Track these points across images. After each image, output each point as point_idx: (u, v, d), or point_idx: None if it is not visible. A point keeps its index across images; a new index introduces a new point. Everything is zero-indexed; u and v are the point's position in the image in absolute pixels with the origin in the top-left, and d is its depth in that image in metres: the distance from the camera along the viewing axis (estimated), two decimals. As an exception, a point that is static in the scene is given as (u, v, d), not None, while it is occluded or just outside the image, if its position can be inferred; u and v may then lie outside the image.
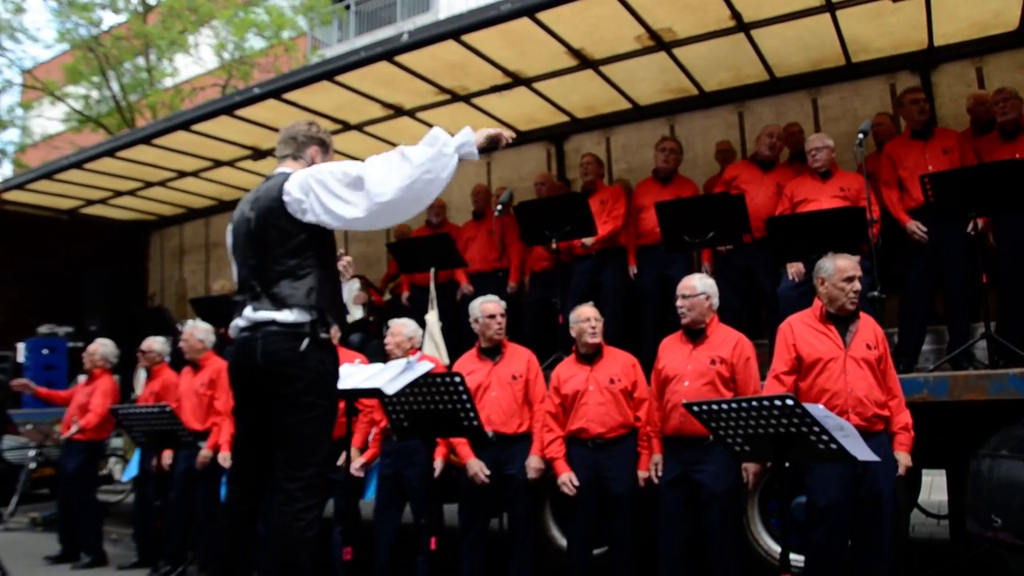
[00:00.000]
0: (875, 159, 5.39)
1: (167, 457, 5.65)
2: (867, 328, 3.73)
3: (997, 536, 3.55)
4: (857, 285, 3.71)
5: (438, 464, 4.52)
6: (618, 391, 4.28)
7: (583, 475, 4.25)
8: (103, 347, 6.48)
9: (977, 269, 4.52)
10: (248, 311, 2.87)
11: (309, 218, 2.83)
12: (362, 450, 4.91)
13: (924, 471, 5.31)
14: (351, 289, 6.81)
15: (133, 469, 6.54)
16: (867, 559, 3.57)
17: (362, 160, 2.78)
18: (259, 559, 3.36)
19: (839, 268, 3.71)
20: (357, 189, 2.75)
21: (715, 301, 4.15)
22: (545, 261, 6.19)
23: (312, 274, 2.87)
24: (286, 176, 2.93)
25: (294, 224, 2.85)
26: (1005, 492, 3.55)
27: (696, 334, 4.13)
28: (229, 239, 3.13)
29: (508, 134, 3.00)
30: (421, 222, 7.23)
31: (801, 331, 3.79)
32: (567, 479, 4.25)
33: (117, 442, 9.53)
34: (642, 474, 4.22)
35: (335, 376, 2.96)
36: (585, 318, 4.38)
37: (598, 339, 4.39)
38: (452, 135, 2.81)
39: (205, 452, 5.45)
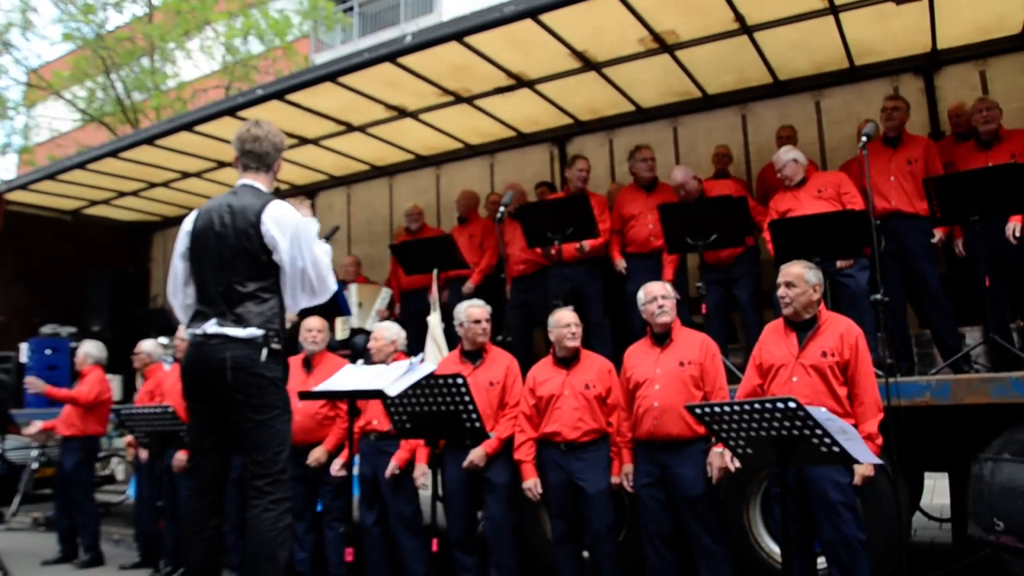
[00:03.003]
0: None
1: (141, 454, 5.68)
2: (832, 335, 3.68)
3: (999, 540, 3.55)
4: (784, 291, 3.75)
5: (392, 466, 4.63)
6: (592, 397, 4.31)
7: (556, 477, 4.29)
8: (85, 346, 6.62)
9: (951, 274, 4.59)
10: (210, 325, 3.07)
11: (277, 258, 3.11)
12: (331, 453, 4.97)
13: (926, 474, 5.31)
14: (382, 299, 6.81)
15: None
16: (835, 564, 3.56)
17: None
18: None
19: (780, 274, 3.82)
20: (329, 275, 3.22)
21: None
22: (523, 265, 6.21)
23: (272, 299, 3.13)
24: (265, 200, 3.16)
25: (264, 252, 3.09)
26: (1007, 496, 3.55)
27: (662, 338, 4.22)
28: (185, 241, 3.25)
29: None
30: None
31: (767, 336, 3.90)
32: (532, 484, 4.33)
33: (119, 442, 9.55)
34: (615, 479, 4.26)
35: (284, 382, 3.17)
36: (565, 323, 4.41)
37: (576, 344, 4.42)
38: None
39: (179, 456, 5.47)
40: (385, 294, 6.84)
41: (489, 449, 4.40)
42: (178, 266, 3.27)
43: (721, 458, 3.89)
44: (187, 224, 3.28)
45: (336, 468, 4.88)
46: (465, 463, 4.39)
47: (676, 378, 4.05)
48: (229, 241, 3.09)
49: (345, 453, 4.87)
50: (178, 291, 3.27)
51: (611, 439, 4.32)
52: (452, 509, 4.50)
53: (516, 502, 4.53)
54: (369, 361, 5.07)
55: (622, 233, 5.96)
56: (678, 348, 4.16)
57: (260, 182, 3.27)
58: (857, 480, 3.55)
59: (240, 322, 3.04)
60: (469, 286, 6.44)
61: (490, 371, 4.60)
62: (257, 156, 3.29)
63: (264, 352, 3.02)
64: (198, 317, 3.14)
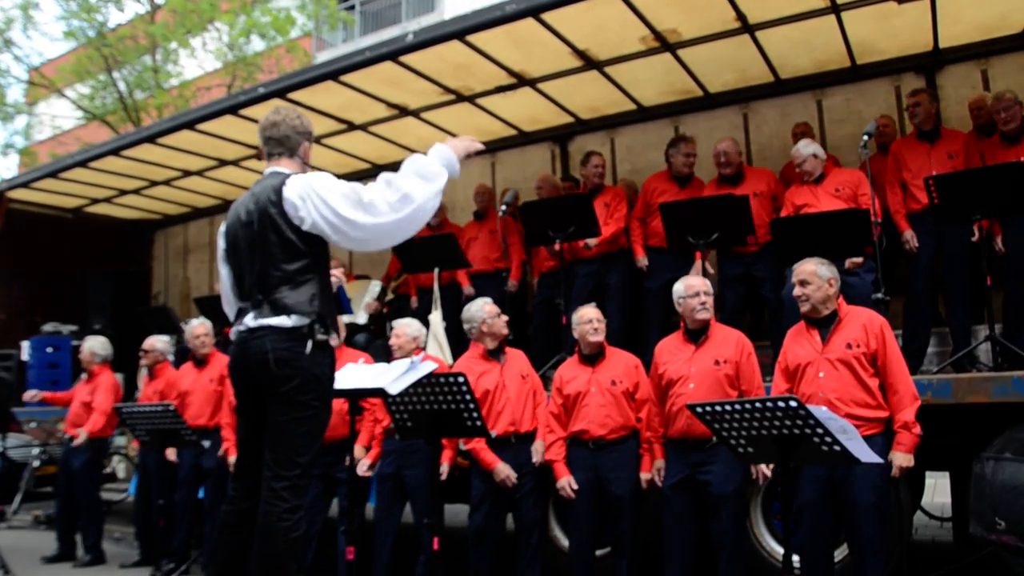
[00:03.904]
0: (878, 161, 5.37)
1: (171, 455, 5.66)
2: (855, 326, 3.68)
3: (1000, 539, 3.55)
4: (800, 290, 3.76)
5: (444, 468, 4.53)
6: (620, 393, 4.28)
7: (583, 476, 4.26)
8: (90, 343, 6.56)
9: (980, 273, 4.53)
10: (250, 319, 2.91)
11: (307, 226, 2.88)
12: (366, 450, 4.90)
13: (927, 473, 5.31)
14: (371, 292, 6.79)
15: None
16: (857, 565, 3.56)
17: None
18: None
19: (794, 274, 3.82)
20: (359, 210, 2.84)
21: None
22: (551, 261, 6.12)
23: (312, 280, 2.92)
24: (284, 178, 2.96)
25: (292, 230, 2.89)
26: (1009, 495, 3.55)
27: (697, 335, 4.13)
28: (222, 243, 3.14)
29: (477, 146, 3.08)
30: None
31: (790, 340, 3.88)
32: (566, 483, 4.28)
33: (120, 440, 9.56)
34: (644, 476, 4.22)
35: (330, 378, 2.99)
36: (587, 319, 4.38)
37: (600, 340, 4.39)
38: (438, 149, 2.93)
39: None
40: (374, 287, 6.84)
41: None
42: (222, 272, 3.15)
43: None
44: (221, 226, 3.16)
45: (363, 469, 4.80)
46: (537, 459, 4.40)
47: (711, 377, 3.98)
48: (255, 228, 2.94)
49: (372, 453, 4.86)
50: (228, 297, 3.14)
51: (640, 434, 4.29)
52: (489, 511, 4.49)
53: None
54: (389, 358, 5.02)
55: (645, 223, 5.87)
56: (713, 346, 4.07)
57: (285, 166, 3.09)
58: (895, 472, 3.50)
59: (278, 309, 2.86)
60: (512, 285, 6.33)
61: (516, 365, 4.62)
62: (277, 141, 3.12)
63: (309, 344, 2.84)
64: (239, 315, 3.01)
